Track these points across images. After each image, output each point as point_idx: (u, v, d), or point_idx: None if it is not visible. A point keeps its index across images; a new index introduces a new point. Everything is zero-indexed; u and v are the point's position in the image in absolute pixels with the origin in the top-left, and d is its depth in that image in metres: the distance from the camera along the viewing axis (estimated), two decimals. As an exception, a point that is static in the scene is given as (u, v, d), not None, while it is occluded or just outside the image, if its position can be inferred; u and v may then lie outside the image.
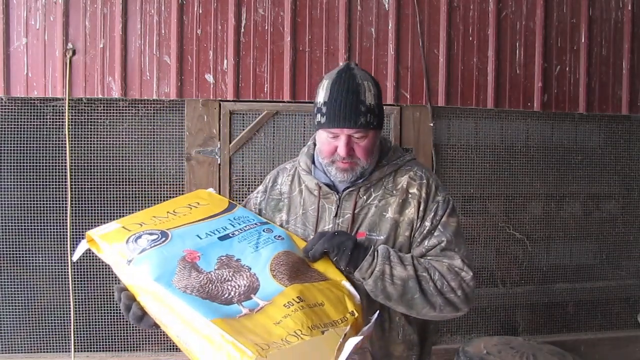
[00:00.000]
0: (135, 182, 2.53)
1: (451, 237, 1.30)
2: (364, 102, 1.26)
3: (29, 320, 2.51)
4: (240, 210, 1.34)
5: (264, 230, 1.27)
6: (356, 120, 1.24)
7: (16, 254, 2.49)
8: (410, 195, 1.33)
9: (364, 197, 1.34)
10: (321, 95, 1.30)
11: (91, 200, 2.50)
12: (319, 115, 1.29)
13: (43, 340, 2.51)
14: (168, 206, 1.32)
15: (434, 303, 1.22)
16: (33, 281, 2.50)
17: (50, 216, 2.48)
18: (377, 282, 1.19)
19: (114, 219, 1.23)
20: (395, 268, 1.20)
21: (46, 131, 2.49)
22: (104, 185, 2.52)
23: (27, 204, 2.47)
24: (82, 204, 2.49)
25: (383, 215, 1.32)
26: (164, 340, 2.55)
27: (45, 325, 2.51)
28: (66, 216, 2.45)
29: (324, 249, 1.21)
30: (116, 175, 2.53)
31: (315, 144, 1.43)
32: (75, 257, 1.25)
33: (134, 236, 1.17)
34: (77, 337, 2.49)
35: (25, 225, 2.48)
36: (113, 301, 2.48)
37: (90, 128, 2.53)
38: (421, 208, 1.31)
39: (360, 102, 1.25)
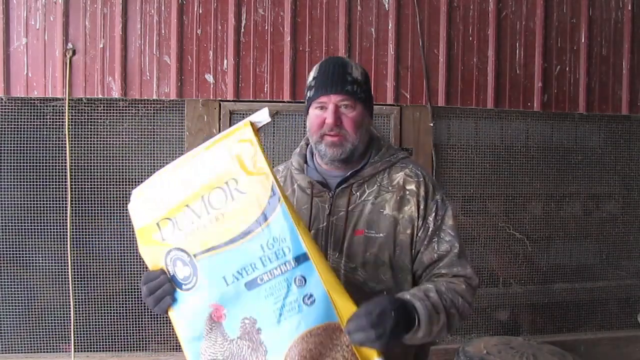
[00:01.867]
0: (135, 182, 2.50)
1: (461, 243, 1.31)
2: (350, 74, 1.31)
3: (29, 320, 2.51)
4: (280, 218, 1.10)
5: (295, 281, 1.09)
6: (343, 86, 1.29)
7: (16, 254, 2.48)
8: (408, 193, 1.32)
9: (357, 193, 1.34)
10: (310, 76, 1.36)
11: (91, 200, 2.50)
12: (309, 92, 1.35)
13: (43, 340, 2.50)
14: (206, 186, 1.12)
15: (452, 330, 1.26)
16: (33, 281, 2.50)
17: (50, 216, 2.48)
18: (415, 342, 1.16)
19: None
20: (434, 326, 1.15)
21: (46, 131, 2.49)
22: (104, 185, 2.52)
23: (27, 204, 2.47)
24: (82, 204, 2.49)
25: (381, 212, 1.31)
26: (164, 340, 2.55)
27: (45, 325, 2.51)
28: (66, 216, 2.45)
29: (369, 336, 1.05)
30: (116, 175, 2.53)
31: (307, 144, 1.46)
32: None
33: (170, 257, 1.15)
34: (77, 337, 2.49)
35: (25, 225, 2.48)
36: (113, 301, 2.49)
37: (90, 128, 2.53)
38: (421, 207, 1.31)
39: (347, 73, 1.31)
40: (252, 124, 1.15)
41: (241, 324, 1.11)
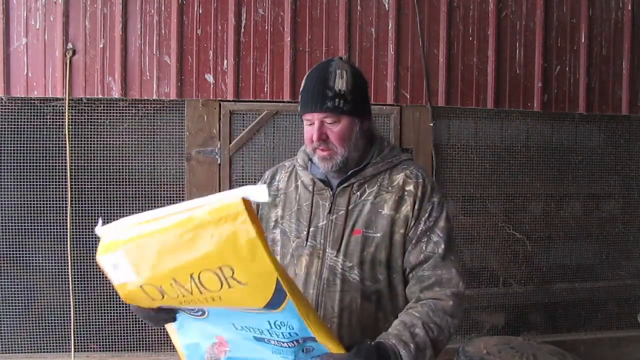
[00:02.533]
0: (135, 182, 2.53)
1: (448, 245, 1.31)
2: (331, 87, 1.29)
3: (29, 320, 2.51)
4: (287, 311, 0.99)
5: (303, 350, 1.08)
6: (322, 104, 1.28)
7: (16, 254, 2.48)
8: (406, 193, 1.33)
9: (358, 193, 1.34)
10: (301, 86, 1.37)
11: (91, 200, 2.50)
12: (299, 105, 1.36)
13: (43, 340, 2.50)
14: (191, 264, 0.94)
15: (439, 354, 1.25)
16: (33, 281, 2.50)
17: (50, 216, 2.48)
18: None
19: (114, 219, 1.03)
20: None
21: (46, 131, 2.49)
22: (104, 185, 2.52)
23: (27, 204, 2.47)
24: (82, 204, 2.49)
25: (379, 212, 1.32)
26: (164, 341, 2.55)
27: (45, 325, 2.51)
28: (66, 216, 2.45)
29: None
30: (116, 175, 2.53)
31: None
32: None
33: (163, 307, 1.04)
34: (77, 337, 2.49)
35: (25, 225, 2.48)
36: (113, 301, 2.49)
37: (90, 128, 2.53)
38: (416, 207, 1.32)
39: (328, 88, 1.29)
40: (247, 204, 0.92)
41: None
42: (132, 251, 0.96)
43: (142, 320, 2.52)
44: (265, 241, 0.93)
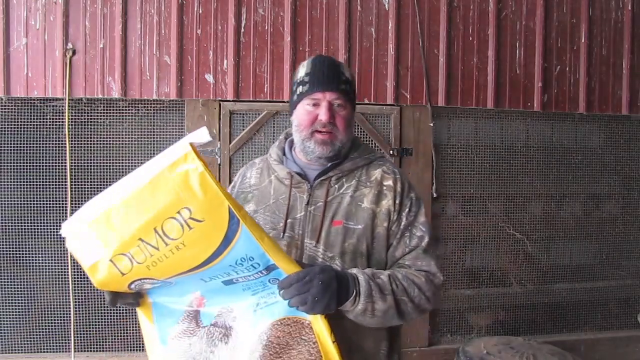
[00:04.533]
0: (135, 182, 2.53)
1: (430, 238, 1.34)
2: (343, 73, 1.35)
3: (29, 320, 2.51)
4: (243, 239, 1.05)
5: (269, 281, 1.13)
6: (338, 85, 1.31)
7: (16, 254, 2.49)
8: (385, 187, 1.36)
9: (336, 186, 1.36)
10: (302, 71, 1.36)
11: (91, 200, 2.49)
12: (300, 87, 1.34)
13: (43, 340, 2.51)
14: (154, 217, 1.02)
15: (408, 319, 1.28)
16: (33, 281, 2.50)
17: (50, 216, 2.48)
18: (358, 316, 1.21)
19: None
20: (376, 303, 1.20)
21: (46, 131, 2.49)
22: (104, 185, 2.49)
23: (27, 204, 2.48)
24: (82, 204, 2.47)
25: (359, 205, 1.34)
26: (164, 340, 2.55)
27: (45, 325, 2.51)
28: (66, 216, 2.45)
29: (301, 292, 1.10)
30: (116, 175, 2.51)
31: (286, 137, 1.48)
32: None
33: (135, 284, 1.10)
34: (77, 337, 2.50)
35: (25, 225, 2.48)
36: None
37: (90, 128, 2.53)
38: (397, 201, 1.35)
39: (341, 73, 1.34)
40: (192, 146, 1.03)
41: (217, 312, 1.16)
42: (100, 227, 1.05)
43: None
44: (212, 174, 1.02)
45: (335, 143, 1.33)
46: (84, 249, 1.07)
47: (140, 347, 2.56)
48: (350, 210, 1.33)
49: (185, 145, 1.03)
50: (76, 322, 2.48)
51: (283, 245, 1.32)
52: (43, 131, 2.49)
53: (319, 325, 1.14)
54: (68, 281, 2.46)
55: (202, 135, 1.04)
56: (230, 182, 2.56)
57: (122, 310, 2.51)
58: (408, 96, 2.71)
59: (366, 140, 2.67)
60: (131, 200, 1.04)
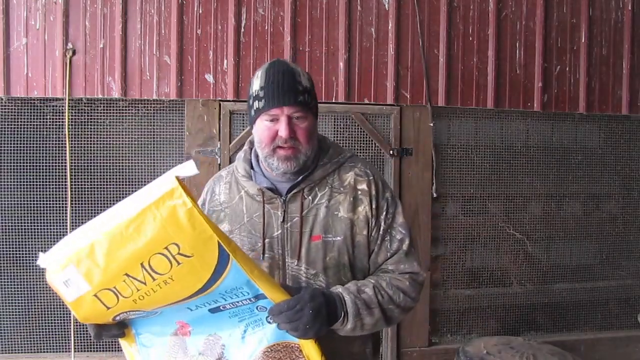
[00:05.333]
0: (135, 182, 2.53)
1: (410, 240, 1.34)
2: (300, 82, 1.26)
3: (29, 320, 2.51)
4: (233, 272, 1.04)
5: (257, 308, 1.12)
6: (295, 97, 1.23)
7: (16, 254, 2.49)
8: (360, 192, 1.33)
9: (310, 197, 1.31)
10: (256, 84, 1.27)
11: (91, 200, 2.50)
12: (256, 103, 1.26)
13: (43, 340, 2.51)
14: (140, 252, 0.99)
15: (396, 322, 1.32)
16: (33, 281, 2.50)
17: (50, 216, 2.48)
18: (348, 333, 1.22)
19: None
20: (364, 319, 1.21)
21: (46, 131, 2.49)
22: (104, 185, 2.52)
23: (27, 204, 2.47)
24: (82, 204, 2.49)
25: (335, 215, 1.30)
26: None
27: (45, 325, 2.51)
28: (66, 216, 2.46)
29: (290, 321, 1.09)
30: (116, 175, 2.53)
31: (251, 148, 1.39)
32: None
33: (120, 317, 1.09)
34: (77, 337, 2.49)
35: (25, 225, 2.48)
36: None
37: (90, 128, 2.53)
38: (374, 206, 1.32)
39: (297, 82, 1.25)
40: (179, 180, 1.01)
41: (205, 340, 1.15)
42: (82, 262, 1.02)
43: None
44: (201, 209, 0.99)
45: (299, 157, 1.27)
46: (66, 284, 1.05)
47: (140, 347, 2.56)
48: (327, 222, 1.29)
49: (173, 180, 1.00)
50: (76, 322, 2.48)
51: (265, 267, 1.28)
52: (43, 131, 2.49)
53: (309, 347, 1.13)
54: (68, 281, 2.46)
55: (189, 169, 1.02)
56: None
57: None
58: (408, 96, 2.71)
59: (366, 141, 2.67)
60: (116, 234, 1.01)
